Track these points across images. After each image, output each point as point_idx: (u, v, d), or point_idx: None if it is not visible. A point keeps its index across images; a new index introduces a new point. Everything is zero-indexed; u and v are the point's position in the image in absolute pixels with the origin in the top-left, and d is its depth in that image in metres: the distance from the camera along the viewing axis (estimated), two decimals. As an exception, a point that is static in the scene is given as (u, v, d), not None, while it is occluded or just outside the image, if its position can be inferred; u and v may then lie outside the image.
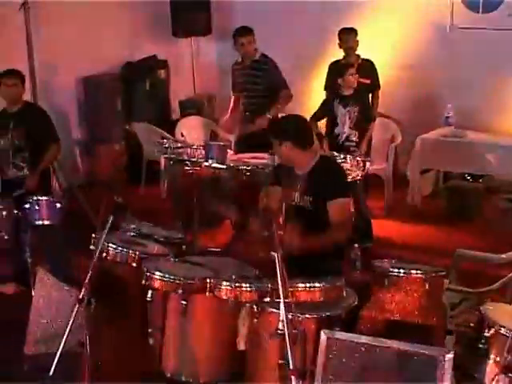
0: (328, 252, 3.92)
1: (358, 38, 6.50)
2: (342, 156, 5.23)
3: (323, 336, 3.16)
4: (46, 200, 4.70)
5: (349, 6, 7.21)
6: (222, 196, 5.87)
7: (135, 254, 3.67)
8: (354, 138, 5.94)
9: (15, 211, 4.69)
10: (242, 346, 3.57)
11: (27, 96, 5.64)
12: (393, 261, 3.64)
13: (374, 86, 6.57)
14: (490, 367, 3.08)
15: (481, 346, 3.11)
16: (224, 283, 3.28)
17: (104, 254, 3.63)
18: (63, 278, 4.37)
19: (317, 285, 3.25)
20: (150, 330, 3.59)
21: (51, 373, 3.37)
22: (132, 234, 3.99)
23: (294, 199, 4.06)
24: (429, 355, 3.09)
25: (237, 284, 3.27)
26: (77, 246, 5.22)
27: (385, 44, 7.12)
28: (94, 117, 7.48)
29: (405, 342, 3.22)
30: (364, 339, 3.17)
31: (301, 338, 3.17)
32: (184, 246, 4.28)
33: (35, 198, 4.71)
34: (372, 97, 6.57)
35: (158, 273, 3.42)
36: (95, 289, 3.40)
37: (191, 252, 4.70)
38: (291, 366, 2.95)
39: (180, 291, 3.36)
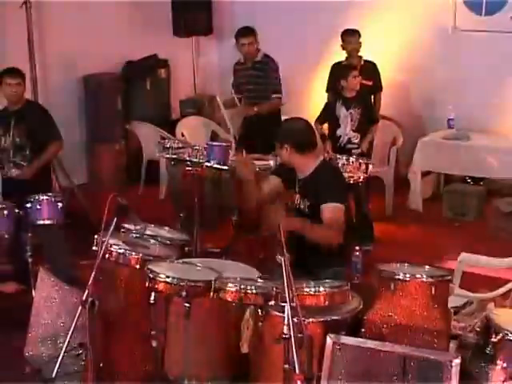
0: (331, 255, 3.91)
1: (361, 39, 6.47)
2: (344, 158, 5.21)
3: (329, 340, 3.15)
4: (47, 199, 4.66)
5: (350, 7, 7.18)
6: (223, 197, 5.85)
7: (138, 256, 3.63)
8: (356, 140, 5.94)
9: (16, 210, 4.64)
10: (245, 349, 3.55)
11: (27, 94, 5.59)
12: (398, 264, 3.61)
13: (377, 87, 6.55)
14: (497, 373, 3.06)
15: (487, 351, 3.08)
16: (229, 286, 3.25)
17: (107, 255, 3.59)
18: (64, 278, 4.34)
19: (322, 289, 3.23)
20: (152, 333, 3.56)
21: (53, 375, 3.35)
22: (135, 235, 3.96)
23: (294, 201, 4.05)
24: (435, 360, 3.08)
25: (242, 287, 3.24)
26: (76, 245, 5.23)
27: (387, 46, 7.10)
28: (94, 116, 7.44)
29: (410, 346, 3.21)
30: (370, 344, 3.16)
31: (306, 343, 3.14)
32: (187, 248, 4.27)
33: (37, 197, 4.67)
34: (374, 99, 6.55)
35: (161, 275, 3.39)
36: (98, 290, 3.39)
37: (192, 253, 4.70)
38: (297, 371, 2.93)
39: (184, 294, 3.33)
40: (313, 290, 3.23)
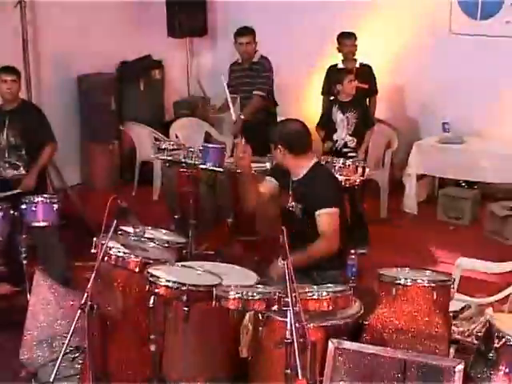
0: (328, 260, 3.90)
1: (357, 42, 6.47)
2: (341, 161, 5.20)
3: (331, 345, 3.14)
4: (43, 201, 4.62)
5: (346, 10, 7.17)
6: (218, 199, 5.83)
7: (138, 259, 3.60)
8: (352, 145, 5.93)
9: (12, 212, 4.60)
10: (244, 354, 3.53)
11: (21, 94, 5.55)
12: (399, 269, 3.60)
13: (372, 91, 6.54)
14: (500, 378, 3.06)
15: (490, 357, 3.08)
16: (231, 293, 3.21)
17: (106, 258, 3.56)
18: (58, 279, 4.32)
19: (325, 293, 3.21)
20: (151, 336, 3.53)
21: (51, 379, 3.31)
22: (133, 237, 3.92)
23: (288, 203, 4.04)
24: (437, 365, 3.08)
25: (243, 293, 3.20)
26: (71, 246, 5.20)
27: (382, 49, 7.09)
28: (88, 116, 7.40)
29: (412, 351, 3.21)
30: (371, 349, 3.15)
31: (306, 347, 3.12)
32: (185, 251, 4.25)
33: (32, 198, 4.62)
34: (369, 102, 6.54)
35: (162, 279, 3.36)
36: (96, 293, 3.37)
37: (187, 255, 4.67)
38: (300, 376, 2.91)
39: (185, 299, 3.30)
40: (316, 294, 3.20)
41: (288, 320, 3.05)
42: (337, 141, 5.94)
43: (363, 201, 6.00)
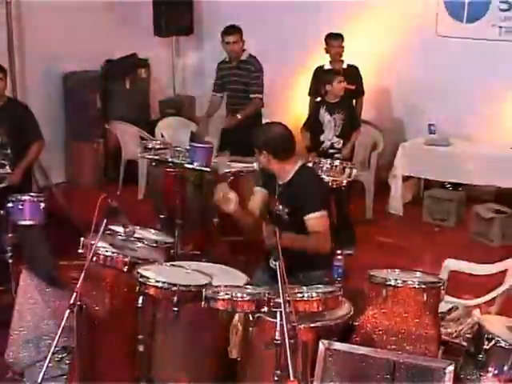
0: (313, 260, 3.90)
1: (344, 43, 6.48)
2: (328, 162, 5.21)
3: (322, 346, 3.14)
4: (29, 200, 4.57)
5: (333, 11, 7.19)
6: (204, 198, 5.81)
7: (126, 259, 3.58)
8: (339, 146, 5.94)
9: (-2, 210, 4.55)
10: (234, 354, 3.52)
11: (6, 92, 5.50)
12: (389, 270, 3.61)
13: (359, 92, 6.57)
14: (490, 380, 3.07)
15: (480, 358, 3.09)
16: (221, 294, 3.20)
17: (94, 258, 3.53)
18: (44, 279, 4.27)
19: (315, 294, 3.20)
20: (139, 337, 3.51)
21: (40, 379, 3.28)
22: (121, 237, 3.90)
23: (275, 206, 4.03)
24: (428, 367, 3.08)
25: (233, 295, 3.18)
26: (55, 245, 5.15)
27: (369, 50, 7.11)
28: (73, 114, 7.36)
29: (402, 352, 3.21)
30: (362, 350, 3.15)
31: (297, 348, 3.12)
32: (172, 251, 4.23)
33: (19, 197, 4.57)
34: (355, 103, 6.56)
35: (152, 280, 3.34)
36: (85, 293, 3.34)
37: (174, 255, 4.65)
38: (291, 377, 2.91)
39: (175, 299, 3.28)
40: (306, 295, 3.20)
41: (278, 321, 3.05)
42: (323, 142, 5.94)
43: (349, 202, 6.01)
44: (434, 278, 3.55)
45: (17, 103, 5.55)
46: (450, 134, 6.67)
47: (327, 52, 6.50)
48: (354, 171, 5.25)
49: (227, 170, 5.54)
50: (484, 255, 5.42)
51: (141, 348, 3.51)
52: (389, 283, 3.40)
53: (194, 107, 8.19)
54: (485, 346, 3.09)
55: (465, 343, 3.77)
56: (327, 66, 6.55)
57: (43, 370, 3.28)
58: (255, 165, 5.25)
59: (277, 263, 3.04)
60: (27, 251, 4.91)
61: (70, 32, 7.03)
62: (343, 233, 5.57)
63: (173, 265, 3.69)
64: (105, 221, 3.39)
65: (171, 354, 3.52)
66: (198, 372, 3.50)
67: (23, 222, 4.58)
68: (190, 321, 3.46)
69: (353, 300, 3.60)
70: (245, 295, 3.18)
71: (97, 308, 3.58)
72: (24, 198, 4.58)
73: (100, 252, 3.57)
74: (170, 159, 5.45)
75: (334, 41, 6.42)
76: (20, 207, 4.53)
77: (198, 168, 5.29)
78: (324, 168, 5.15)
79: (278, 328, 3.03)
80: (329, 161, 5.25)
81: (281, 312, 2.99)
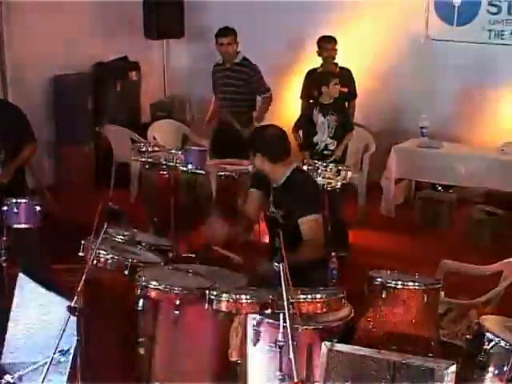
0: (309, 262, 3.91)
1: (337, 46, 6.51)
2: (323, 164, 5.22)
3: (324, 348, 3.14)
4: (25, 203, 4.53)
5: (324, 14, 7.23)
6: (198, 201, 5.82)
7: (127, 262, 3.57)
8: (333, 147, 5.96)
9: (-7, 213, 4.51)
10: (234, 357, 3.52)
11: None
12: (388, 272, 3.63)
13: (351, 94, 6.60)
14: (490, 380, 3.09)
15: (480, 358, 3.11)
16: (224, 295, 3.19)
17: (95, 261, 3.52)
18: (40, 283, 4.25)
19: (319, 296, 3.21)
20: (140, 340, 3.51)
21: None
22: (121, 240, 3.89)
23: (269, 208, 4.04)
24: (430, 367, 3.09)
25: (237, 297, 3.18)
26: (49, 249, 5.13)
27: (360, 53, 7.16)
28: (63, 117, 7.33)
29: (402, 353, 3.23)
30: (364, 351, 3.16)
31: (301, 350, 3.13)
32: (171, 254, 4.22)
33: (14, 200, 4.54)
34: (348, 105, 6.58)
35: (154, 282, 3.33)
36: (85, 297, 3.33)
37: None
38: (296, 378, 2.92)
39: (177, 302, 3.28)
40: (309, 297, 3.20)
41: (281, 323, 3.06)
42: (317, 143, 5.96)
43: (343, 204, 6.03)
44: (433, 279, 3.57)
45: (9, 105, 5.49)
46: (441, 137, 6.73)
47: (320, 55, 6.53)
48: (349, 173, 5.26)
49: (221, 173, 5.56)
50: (475, 257, 5.45)
51: (141, 351, 3.50)
52: (389, 285, 3.42)
53: (185, 110, 8.18)
54: (485, 347, 3.11)
55: (462, 344, 3.80)
56: (320, 69, 6.57)
57: (43, 374, 3.27)
58: (250, 167, 5.28)
59: (280, 265, 3.04)
60: (22, 255, 4.88)
61: (60, 35, 7.02)
62: (337, 235, 5.59)
63: (174, 268, 3.68)
64: (106, 224, 3.37)
65: (172, 357, 3.51)
66: (198, 374, 3.50)
67: (19, 226, 4.55)
68: (191, 323, 3.46)
69: (351, 301, 3.62)
70: (249, 297, 3.18)
71: (97, 311, 3.56)
72: (19, 201, 4.54)
73: (101, 255, 3.56)
74: (163, 162, 5.47)
75: (326, 44, 6.44)
76: (15, 210, 4.49)
77: (192, 171, 5.31)
78: (319, 170, 5.16)
79: (281, 330, 3.04)
80: (323, 163, 5.26)
81: (284, 314, 3.00)
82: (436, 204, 6.56)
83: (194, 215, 5.85)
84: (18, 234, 4.69)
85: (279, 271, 3.02)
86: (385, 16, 7.12)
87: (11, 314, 4.02)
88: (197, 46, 8.13)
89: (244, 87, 6.17)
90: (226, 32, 6.13)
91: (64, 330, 3.33)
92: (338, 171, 5.22)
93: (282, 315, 3.06)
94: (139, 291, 3.36)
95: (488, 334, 3.14)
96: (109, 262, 3.58)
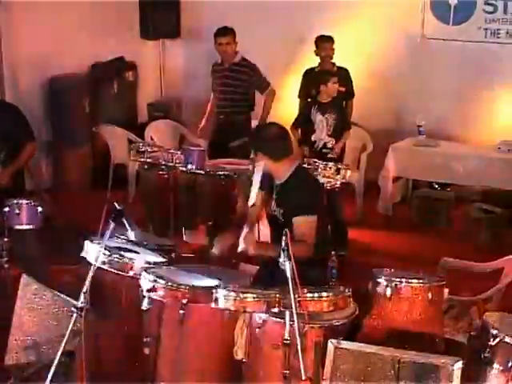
0: (309, 260, 3.92)
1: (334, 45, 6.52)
2: (324, 163, 5.24)
3: (331, 346, 3.16)
4: (26, 204, 4.55)
5: (321, 13, 7.25)
6: (197, 201, 5.81)
7: (132, 262, 3.57)
8: (331, 146, 5.98)
9: (-8, 215, 4.52)
10: (239, 356, 3.53)
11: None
12: (392, 269, 3.65)
13: (349, 94, 6.62)
14: (496, 376, 3.11)
15: (485, 355, 3.13)
16: (231, 294, 3.20)
17: (99, 262, 3.51)
18: (43, 284, 4.25)
19: (325, 294, 3.23)
20: (145, 340, 3.51)
21: (47, 384, 3.27)
22: (124, 240, 3.89)
23: (271, 207, 4.05)
24: (436, 364, 3.12)
25: (244, 295, 3.20)
26: (49, 250, 5.12)
27: (357, 53, 7.19)
28: (61, 118, 7.32)
29: (408, 350, 3.25)
30: (370, 349, 3.18)
31: (308, 348, 3.14)
32: (174, 254, 4.22)
33: (15, 201, 4.54)
34: (346, 105, 6.60)
35: (161, 281, 3.33)
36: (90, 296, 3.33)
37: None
38: (303, 376, 2.93)
39: (184, 301, 3.28)
40: (316, 295, 3.22)
41: (287, 321, 3.08)
42: (315, 142, 5.98)
43: (342, 203, 6.05)
44: (437, 276, 3.59)
45: (8, 105, 5.50)
46: (438, 135, 6.76)
47: (317, 54, 6.54)
48: (349, 172, 5.29)
49: (221, 173, 5.56)
50: (473, 255, 5.48)
51: (146, 351, 3.50)
52: (394, 282, 3.44)
53: (182, 110, 8.19)
54: (490, 343, 3.12)
55: (464, 340, 3.83)
56: (317, 69, 6.58)
57: (50, 376, 3.27)
58: (250, 167, 5.29)
59: (286, 264, 3.05)
60: (23, 256, 4.88)
61: (56, 35, 7.02)
62: (336, 234, 5.61)
63: (179, 267, 3.68)
64: (111, 224, 3.38)
65: (177, 357, 3.51)
66: (204, 374, 3.50)
67: (20, 227, 4.56)
68: (196, 323, 3.46)
69: (352, 299, 3.64)
70: (255, 295, 3.19)
71: (102, 311, 3.56)
72: (21, 202, 4.56)
73: (105, 255, 3.56)
74: (163, 162, 5.47)
75: (324, 43, 6.46)
76: (17, 211, 4.51)
77: (192, 171, 5.32)
78: (319, 169, 5.18)
79: (288, 328, 3.06)
80: (323, 162, 5.28)
81: (291, 312, 3.01)
82: (433, 202, 6.59)
83: (194, 215, 5.86)
84: (19, 234, 4.70)
85: (285, 270, 3.04)
86: (381, 15, 7.15)
87: (14, 315, 4.03)
88: (193, 46, 8.13)
89: (242, 87, 6.17)
90: (225, 32, 6.13)
91: (69, 331, 3.34)
92: (338, 170, 5.24)
93: (288, 313, 3.09)
94: (145, 290, 3.36)
95: (492, 331, 3.16)
96: (113, 261, 3.57)
